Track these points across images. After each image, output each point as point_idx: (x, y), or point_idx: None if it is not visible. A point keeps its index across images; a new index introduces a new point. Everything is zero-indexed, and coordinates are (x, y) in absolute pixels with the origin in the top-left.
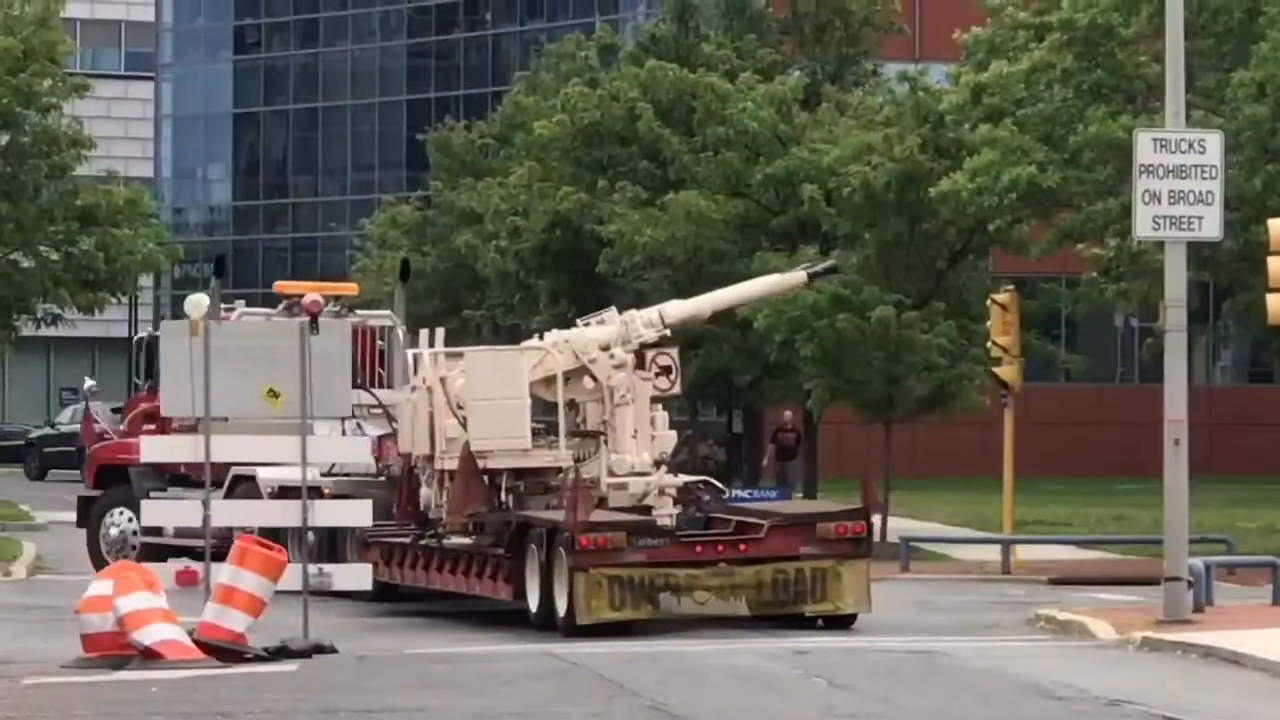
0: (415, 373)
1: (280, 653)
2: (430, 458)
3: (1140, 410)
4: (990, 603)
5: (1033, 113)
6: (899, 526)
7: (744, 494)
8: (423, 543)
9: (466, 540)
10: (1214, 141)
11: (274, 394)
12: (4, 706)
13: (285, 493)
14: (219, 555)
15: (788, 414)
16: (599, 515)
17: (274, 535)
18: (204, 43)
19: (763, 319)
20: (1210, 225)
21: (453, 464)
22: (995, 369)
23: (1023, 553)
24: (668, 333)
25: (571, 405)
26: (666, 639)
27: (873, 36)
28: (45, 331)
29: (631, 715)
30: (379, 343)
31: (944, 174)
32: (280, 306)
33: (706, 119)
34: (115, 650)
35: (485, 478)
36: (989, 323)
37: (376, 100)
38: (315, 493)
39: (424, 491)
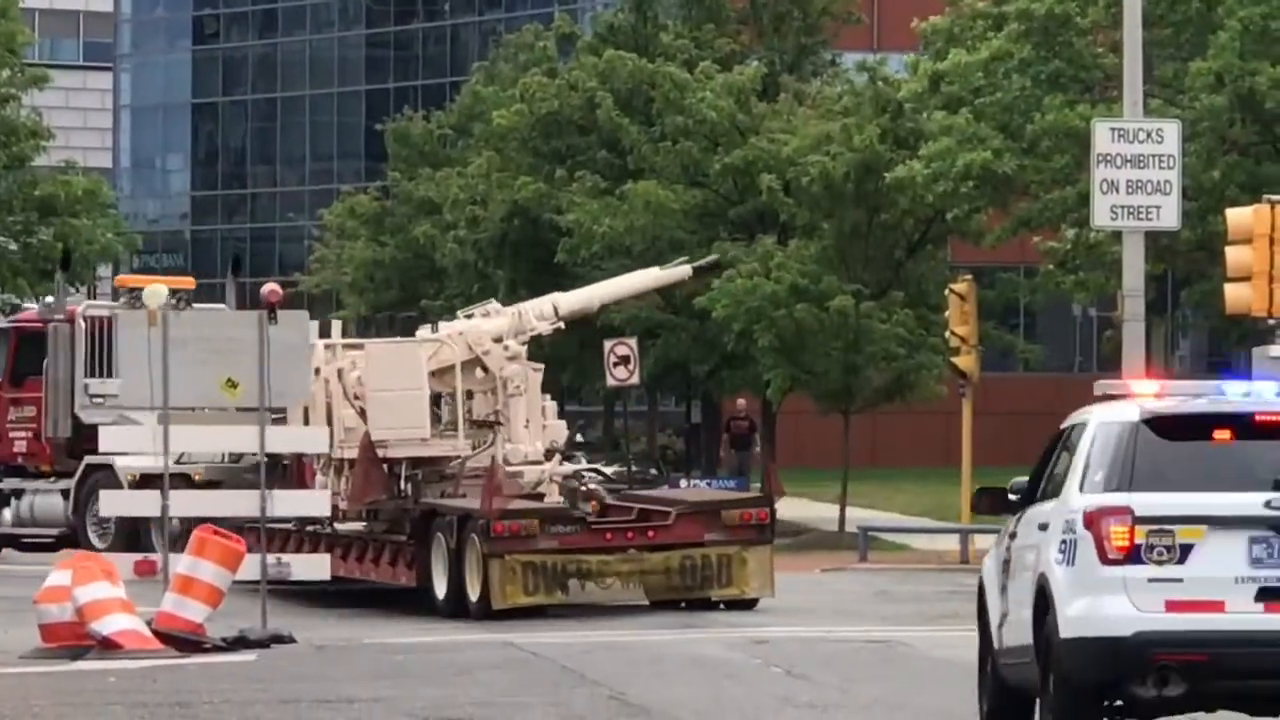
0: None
1: (238, 643)
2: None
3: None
4: (948, 592)
5: (991, 101)
6: (857, 516)
7: (703, 484)
8: (310, 529)
9: (358, 526)
10: (1171, 131)
11: (232, 384)
12: None
13: (146, 481)
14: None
15: (741, 402)
16: (513, 504)
17: (135, 527)
18: (162, 33)
19: (721, 309)
20: (1168, 215)
21: (352, 453)
22: (954, 359)
23: (981, 542)
24: (561, 325)
25: (469, 395)
26: (626, 629)
27: (831, 26)
28: (3, 322)
29: (592, 706)
30: None
31: (901, 163)
32: (121, 300)
33: (665, 109)
34: (74, 640)
35: (385, 466)
36: (947, 312)
37: (335, 90)
38: (185, 480)
39: (319, 479)
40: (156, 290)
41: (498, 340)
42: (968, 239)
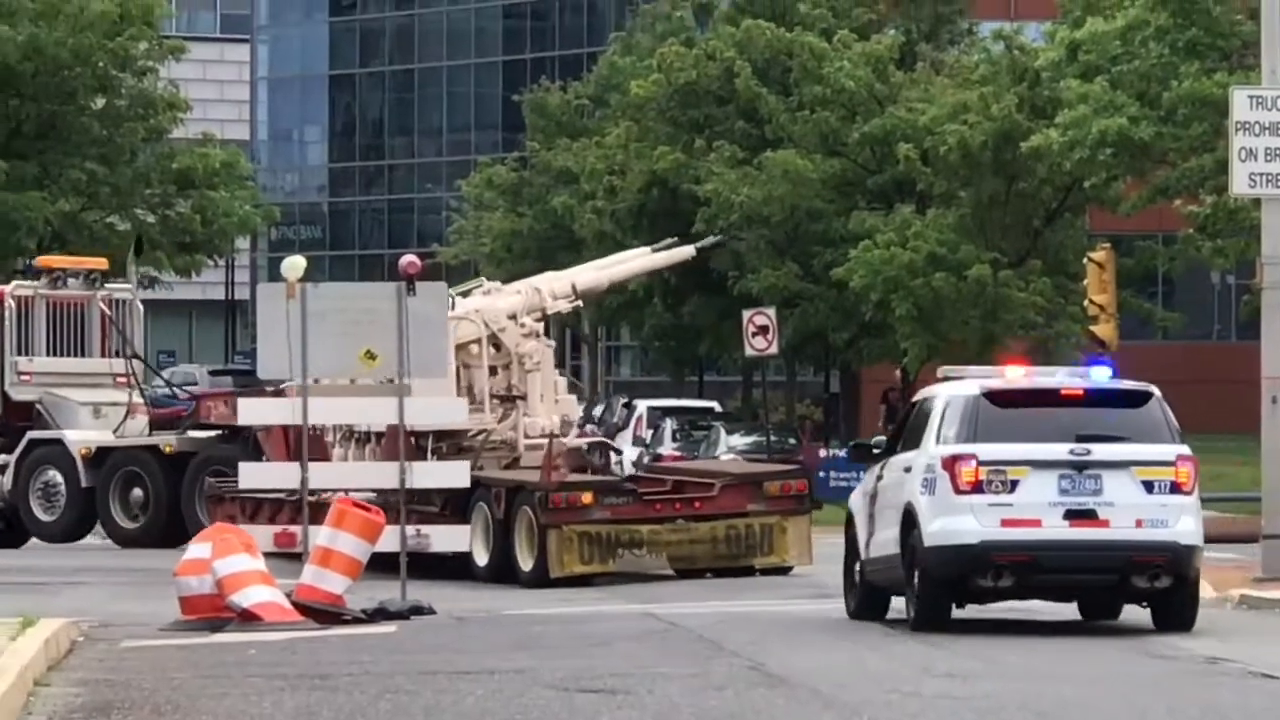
0: None
1: (378, 614)
2: None
3: (1237, 368)
4: None
5: (1128, 70)
6: None
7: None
8: (311, 498)
9: (369, 495)
10: None
11: (371, 356)
12: (103, 669)
13: (103, 454)
14: None
15: (897, 373)
16: (569, 477)
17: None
18: (299, 4)
19: (859, 278)
20: None
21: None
22: (1092, 327)
23: None
24: (580, 303)
25: (493, 371)
26: (762, 599)
27: None
28: (142, 294)
29: (730, 675)
30: (113, 313)
31: (1038, 132)
32: (43, 280)
33: (803, 78)
34: (213, 613)
35: (412, 439)
36: (1085, 281)
37: (472, 61)
38: (155, 451)
39: (336, 451)
40: (295, 263)
41: (512, 317)
42: (1105, 207)
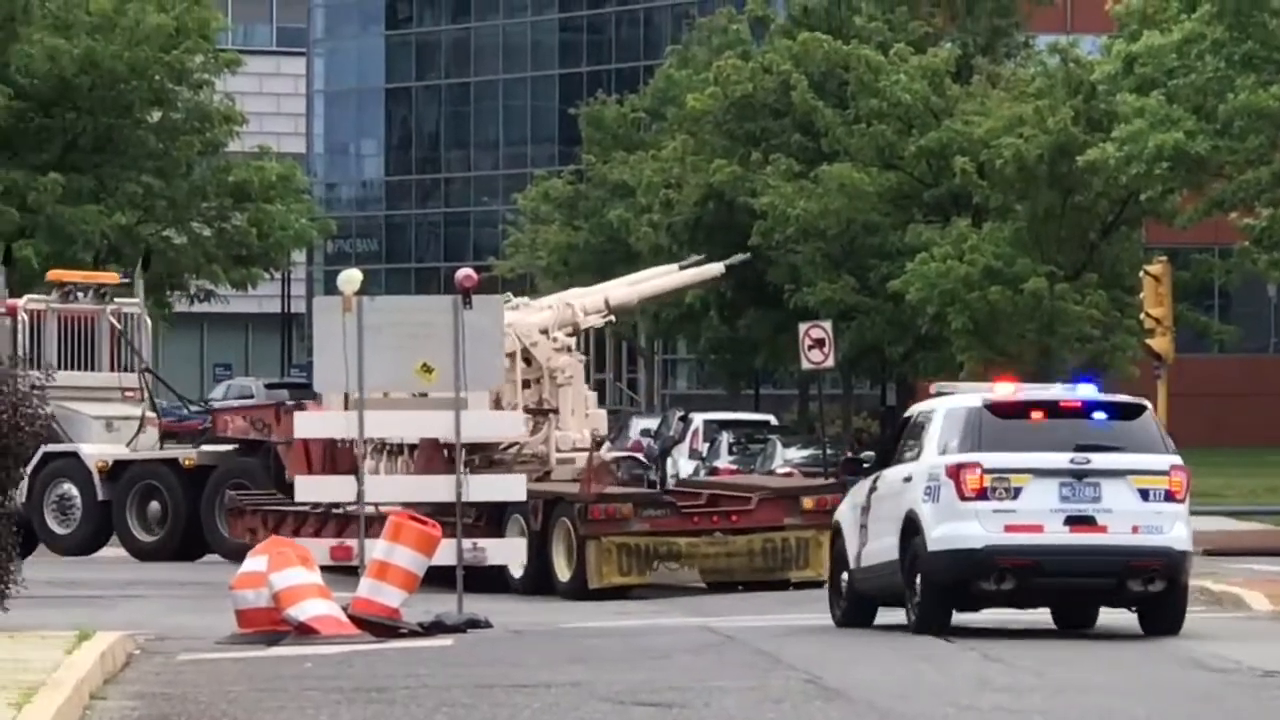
0: None
1: (435, 627)
2: None
3: None
4: None
5: (1184, 83)
6: None
7: None
8: (336, 511)
9: (395, 507)
10: None
11: (427, 369)
12: (159, 682)
13: (119, 467)
14: None
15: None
16: (609, 489)
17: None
18: (356, 17)
19: (915, 291)
20: None
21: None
22: (1148, 340)
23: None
24: (612, 318)
25: (525, 385)
26: (816, 613)
27: (1024, 8)
28: (198, 308)
29: (787, 688)
30: (123, 328)
31: (1095, 145)
32: (54, 294)
33: (859, 91)
34: (270, 626)
35: (444, 451)
36: (1142, 294)
37: (528, 75)
38: (174, 465)
39: (367, 464)
40: (351, 276)
41: (544, 332)
42: (1161, 220)
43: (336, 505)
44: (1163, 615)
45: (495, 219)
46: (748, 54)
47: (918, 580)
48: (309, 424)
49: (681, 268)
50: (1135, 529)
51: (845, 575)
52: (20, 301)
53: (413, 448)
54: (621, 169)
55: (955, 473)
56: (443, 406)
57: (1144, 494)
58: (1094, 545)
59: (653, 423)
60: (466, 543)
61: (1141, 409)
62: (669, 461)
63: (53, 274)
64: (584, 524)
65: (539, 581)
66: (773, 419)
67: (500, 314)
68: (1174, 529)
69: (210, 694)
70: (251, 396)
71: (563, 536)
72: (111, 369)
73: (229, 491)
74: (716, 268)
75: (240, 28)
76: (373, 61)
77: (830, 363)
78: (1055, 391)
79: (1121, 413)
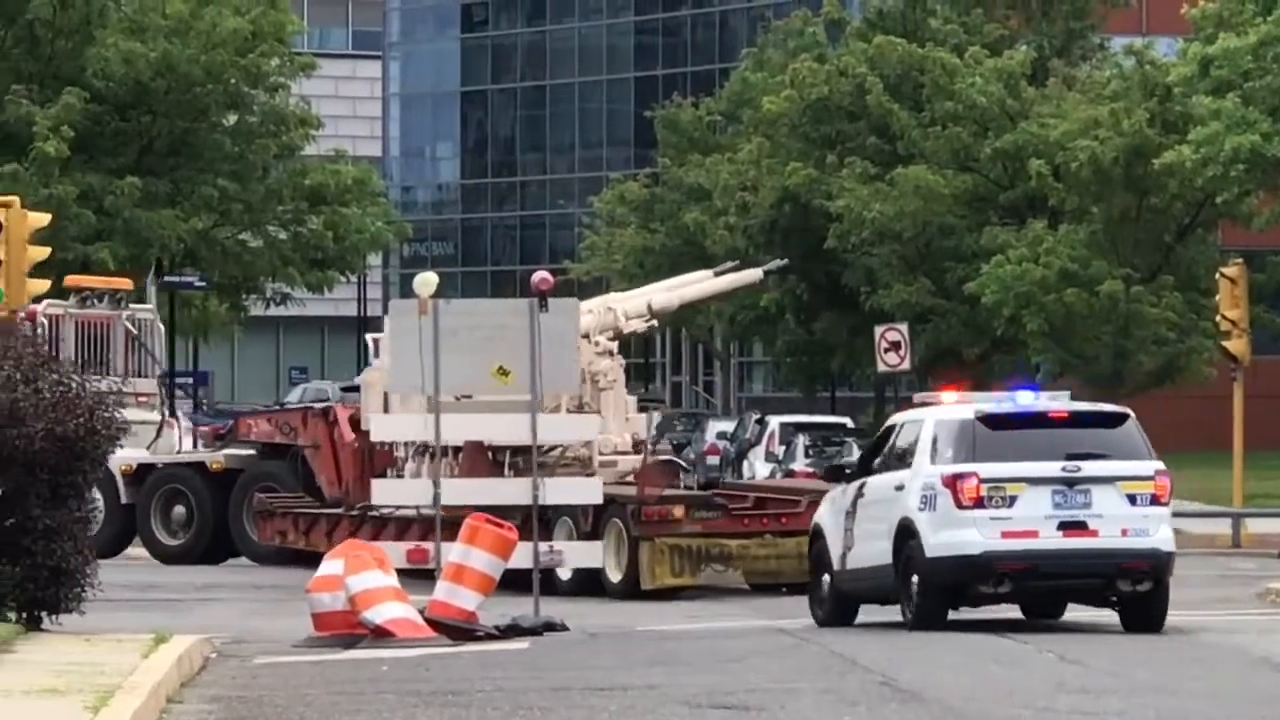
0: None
1: (511, 630)
2: None
3: None
4: (1220, 577)
5: (1260, 86)
6: None
7: None
8: (374, 514)
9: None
10: None
11: (504, 371)
12: (236, 686)
13: (143, 471)
14: None
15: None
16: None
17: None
18: (431, 20)
19: (991, 294)
20: None
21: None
22: (1224, 342)
23: (1253, 526)
24: (655, 323)
25: None
26: (889, 613)
27: (1099, 10)
28: (274, 311)
29: (863, 691)
30: (138, 333)
31: (1170, 148)
32: (72, 299)
33: (935, 94)
34: (346, 629)
35: (489, 454)
36: (1218, 296)
37: (604, 78)
38: (201, 468)
39: (409, 466)
40: (427, 279)
41: (585, 336)
42: (1238, 222)
43: (371, 508)
44: (1146, 613)
45: (571, 222)
46: (823, 57)
47: (914, 582)
48: (385, 426)
49: (717, 273)
50: (1124, 532)
51: (827, 577)
52: (39, 307)
53: (456, 450)
54: (697, 172)
55: (952, 483)
56: (518, 409)
57: (1131, 499)
58: (1086, 549)
59: (729, 425)
60: (543, 546)
61: (1125, 417)
62: (744, 464)
63: (70, 279)
64: (637, 525)
65: (588, 583)
66: (849, 421)
67: (576, 317)
68: (1159, 531)
69: (286, 697)
70: (327, 399)
71: (614, 537)
72: (125, 374)
73: (258, 495)
74: (755, 273)
75: (316, 31)
76: (448, 65)
77: (906, 365)
78: (1044, 402)
79: (1107, 421)
